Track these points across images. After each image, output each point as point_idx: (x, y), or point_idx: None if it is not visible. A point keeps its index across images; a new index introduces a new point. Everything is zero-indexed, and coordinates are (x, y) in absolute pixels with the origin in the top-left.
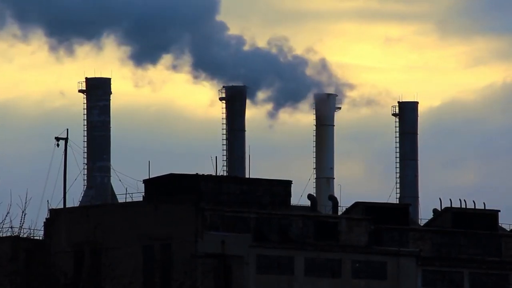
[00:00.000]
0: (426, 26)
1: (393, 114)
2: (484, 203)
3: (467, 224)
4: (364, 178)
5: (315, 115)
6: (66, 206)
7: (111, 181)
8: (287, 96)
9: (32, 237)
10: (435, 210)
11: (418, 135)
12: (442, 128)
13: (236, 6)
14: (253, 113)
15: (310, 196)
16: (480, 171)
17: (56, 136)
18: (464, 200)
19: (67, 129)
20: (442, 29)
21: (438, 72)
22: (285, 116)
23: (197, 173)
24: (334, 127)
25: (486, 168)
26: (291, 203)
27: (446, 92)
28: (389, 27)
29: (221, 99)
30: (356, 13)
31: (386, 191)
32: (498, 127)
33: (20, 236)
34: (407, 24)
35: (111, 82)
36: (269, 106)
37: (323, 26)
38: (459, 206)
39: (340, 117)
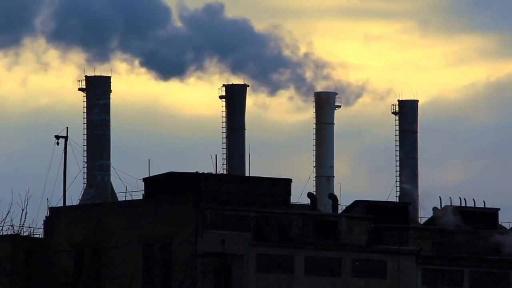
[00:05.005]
0: (409, 24)
1: (393, 113)
2: (484, 201)
3: (467, 223)
4: (364, 176)
5: (315, 114)
6: (66, 205)
7: (111, 179)
8: (286, 94)
9: (32, 236)
10: (435, 209)
11: (412, 134)
12: (426, 126)
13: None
14: (253, 111)
15: (310, 195)
16: (468, 170)
17: (56, 134)
18: (464, 198)
19: (67, 128)
20: (425, 27)
21: (421, 71)
22: (285, 114)
23: (197, 172)
24: (334, 125)
25: (475, 166)
26: (291, 201)
27: (428, 90)
28: (372, 25)
29: (221, 97)
30: (340, 11)
31: (386, 190)
32: (481, 126)
33: (21, 234)
34: (390, 22)
35: (111, 81)
36: (268, 104)
37: (308, 24)
38: (459, 205)
39: (340, 116)
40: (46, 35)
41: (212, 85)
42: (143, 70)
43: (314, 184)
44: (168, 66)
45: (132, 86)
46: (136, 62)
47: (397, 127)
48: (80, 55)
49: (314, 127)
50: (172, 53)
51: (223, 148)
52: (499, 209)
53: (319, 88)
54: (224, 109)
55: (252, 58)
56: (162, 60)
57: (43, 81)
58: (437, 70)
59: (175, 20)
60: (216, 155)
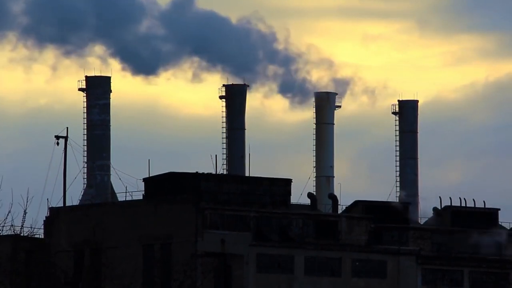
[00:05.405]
0: (408, 24)
1: (393, 113)
2: (484, 201)
3: (467, 223)
4: (364, 176)
5: (315, 114)
6: (66, 205)
7: (111, 179)
8: (286, 94)
9: (32, 236)
10: (435, 209)
11: (414, 134)
12: (425, 126)
13: (218, 4)
14: (253, 111)
15: (310, 195)
16: (468, 170)
17: (56, 134)
18: (464, 198)
19: (67, 128)
20: (424, 27)
21: (420, 71)
22: (285, 114)
23: (197, 172)
24: (334, 125)
25: (475, 166)
26: (291, 201)
27: (428, 90)
28: (371, 25)
29: (221, 97)
30: (338, 11)
31: (386, 190)
32: (480, 126)
33: (21, 235)
34: (389, 22)
35: (111, 81)
36: (268, 104)
37: (307, 24)
38: (459, 205)
39: (340, 116)
40: (18, 31)
41: (186, 80)
42: (118, 66)
43: (314, 184)
44: (144, 62)
45: (132, 86)
46: (110, 59)
47: (397, 127)
48: (52, 52)
49: (314, 127)
50: (148, 49)
51: (223, 148)
52: (499, 209)
53: (310, 87)
54: (224, 109)
55: (236, 53)
56: (138, 56)
57: (13, 78)
58: (436, 70)
59: (151, 15)
60: (216, 155)
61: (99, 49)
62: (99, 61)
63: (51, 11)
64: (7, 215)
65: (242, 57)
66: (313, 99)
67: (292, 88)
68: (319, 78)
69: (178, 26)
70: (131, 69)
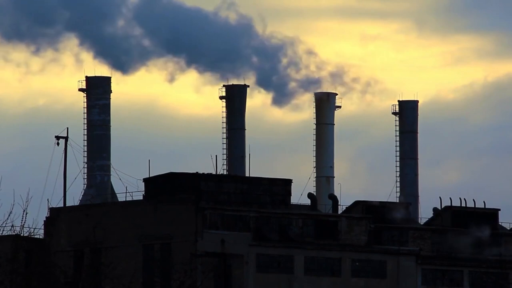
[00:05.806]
0: (406, 24)
1: (393, 113)
2: (484, 202)
3: (467, 223)
4: (364, 176)
5: (314, 114)
6: (66, 205)
7: (111, 180)
8: (287, 94)
9: (32, 236)
10: (435, 209)
11: (414, 134)
12: (424, 126)
13: (216, 4)
14: (253, 111)
15: (310, 195)
16: (468, 170)
17: (56, 135)
18: (464, 199)
19: (67, 128)
20: (422, 28)
21: (418, 71)
22: (285, 114)
23: (197, 172)
24: (334, 125)
25: (475, 166)
26: (291, 202)
27: (426, 90)
28: (369, 25)
29: (221, 97)
30: (336, 11)
31: (386, 190)
32: (479, 126)
33: (21, 235)
34: (387, 22)
35: (111, 81)
36: (268, 104)
37: (304, 24)
38: (459, 205)
39: (340, 116)
40: None
41: (161, 76)
42: (93, 62)
43: (314, 184)
44: (122, 59)
45: (132, 86)
46: (85, 55)
47: (397, 127)
48: (25, 49)
49: (314, 127)
50: (127, 45)
51: (223, 148)
52: (499, 209)
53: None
54: (224, 109)
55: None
56: (114, 53)
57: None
58: (435, 70)
59: (128, 10)
60: (216, 155)
61: (73, 44)
62: (73, 59)
63: (22, 7)
64: (8, 216)
65: (218, 52)
66: (300, 98)
67: (293, 86)
68: (315, 77)
69: (151, 20)
70: (107, 66)
